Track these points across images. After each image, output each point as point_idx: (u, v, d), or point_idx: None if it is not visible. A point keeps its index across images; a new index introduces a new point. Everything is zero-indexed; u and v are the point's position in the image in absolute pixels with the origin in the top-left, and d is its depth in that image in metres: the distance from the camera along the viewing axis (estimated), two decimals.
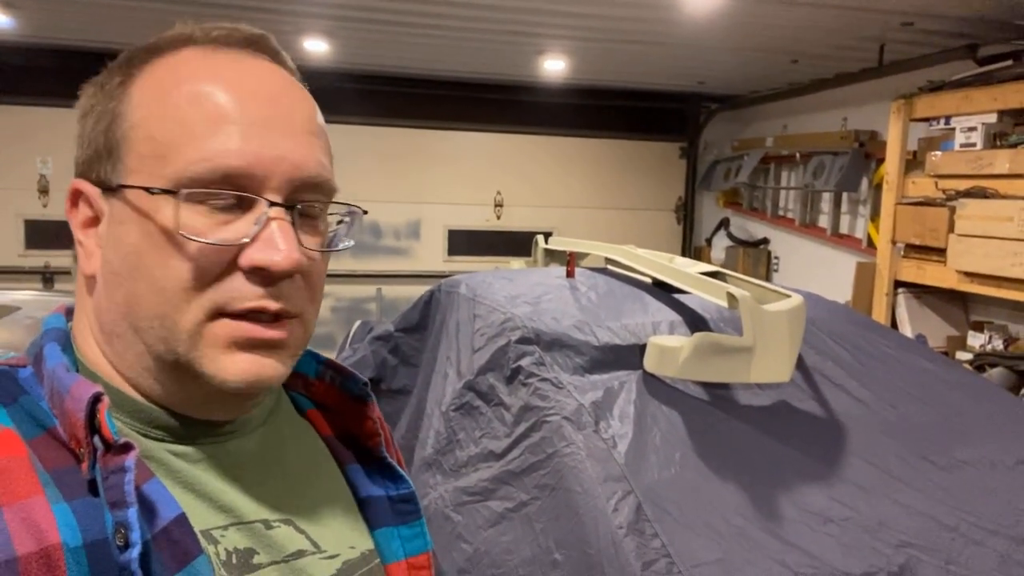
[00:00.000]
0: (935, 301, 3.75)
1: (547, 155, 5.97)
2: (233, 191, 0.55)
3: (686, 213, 6.39)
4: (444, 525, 1.73)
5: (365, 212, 0.66)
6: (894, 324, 3.77)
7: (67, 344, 0.60)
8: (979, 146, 3.21)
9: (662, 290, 2.29)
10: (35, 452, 0.52)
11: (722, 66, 4.84)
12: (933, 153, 3.42)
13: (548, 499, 1.46)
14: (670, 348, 1.80)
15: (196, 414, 0.60)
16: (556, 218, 5.94)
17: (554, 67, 4.66)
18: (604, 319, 2.01)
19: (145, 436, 0.58)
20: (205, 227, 0.55)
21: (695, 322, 2.06)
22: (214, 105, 0.56)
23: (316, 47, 4.22)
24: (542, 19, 3.75)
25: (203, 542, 0.55)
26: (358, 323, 4.02)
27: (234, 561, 0.57)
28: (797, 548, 1.42)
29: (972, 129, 3.23)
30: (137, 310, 0.56)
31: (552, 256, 3.31)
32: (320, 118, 0.64)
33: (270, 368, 0.58)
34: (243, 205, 0.56)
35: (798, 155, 5.08)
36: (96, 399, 0.52)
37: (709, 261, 6.34)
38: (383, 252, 5.76)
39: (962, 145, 3.28)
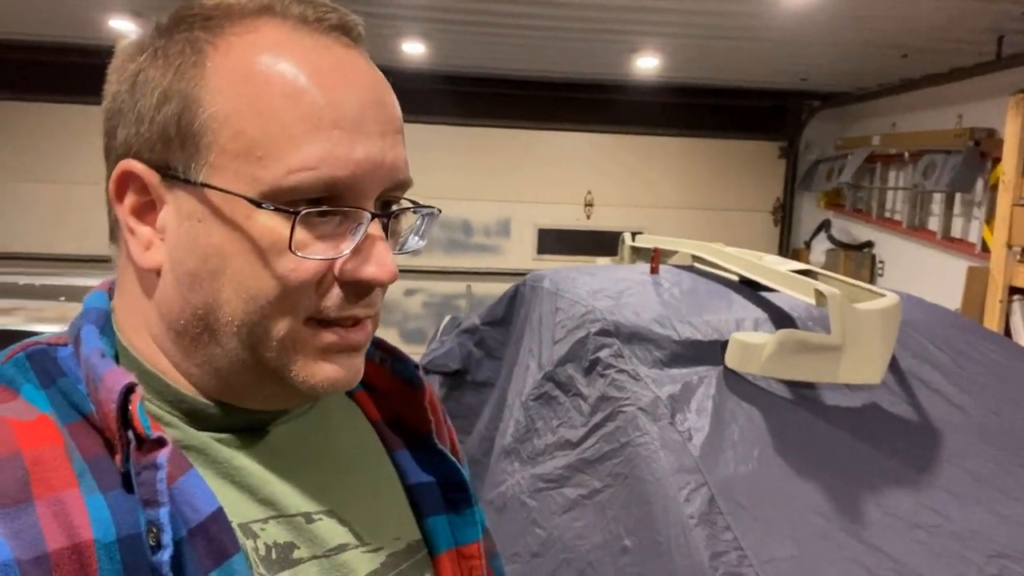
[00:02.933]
0: None
1: (639, 154, 5.93)
2: (336, 201, 0.52)
3: (784, 214, 6.18)
4: (520, 511, 1.77)
5: (439, 212, 0.62)
6: (1008, 333, 3.53)
7: (106, 325, 0.57)
8: None
9: (749, 288, 2.24)
10: (73, 438, 0.50)
11: (825, 61, 4.67)
12: None
13: (620, 487, 1.48)
14: (753, 344, 1.77)
15: (256, 407, 0.58)
16: (647, 218, 5.88)
17: (647, 65, 4.63)
18: (686, 314, 2.00)
19: (187, 424, 0.56)
20: (305, 240, 0.52)
21: (781, 320, 2.02)
22: (313, 103, 0.51)
23: (414, 49, 4.36)
24: (637, 16, 3.74)
25: (241, 537, 0.52)
26: (447, 318, 4.13)
27: (273, 556, 0.55)
28: (880, 552, 1.37)
29: None
30: (219, 315, 0.53)
31: (638, 254, 3.30)
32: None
33: (356, 369, 0.57)
34: (344, 216, 0.53)
35: (907, 154, 4.82)
36: (129, 390, 0.49)
37: (808, 263, 6.11)
38: (473, 249, 5.87)
39: None
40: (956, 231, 4.62)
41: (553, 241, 5.87)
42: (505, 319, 2.56)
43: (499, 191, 5.79)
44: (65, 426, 0.50)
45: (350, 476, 0.64)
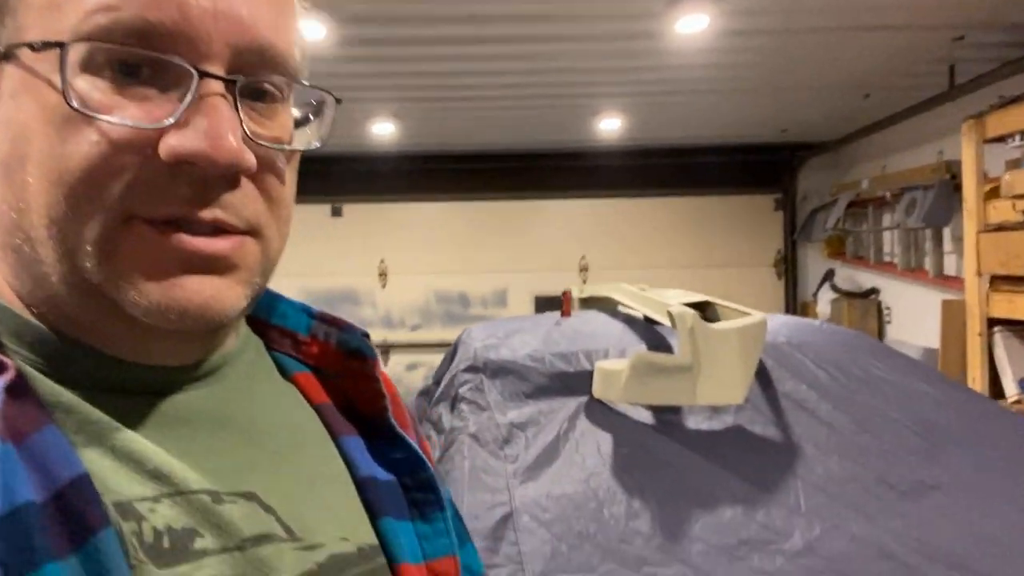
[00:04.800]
0: None
1: (631, 217, 5.97)
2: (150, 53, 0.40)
3: (787, 267, 6.07)
4: None
5: (339, 100, 0.50)
6: (992, 367, 3.33)
7: None
8: None
9: (650, 324, 2.23)
10: None
11: (797, 110, 4.69)
12: (1007, 173, 3.09)
13: None
14: (612, 372, 1.76)
15: (131, 356, 0.45)
16: (645, 279, 5.82)
17: (610, 127, 4.73)
18: (566, 349, 1.99)
19: (58, 381, 0.43)
20: (111, 102, 0.40)
21: (661, 349, 1.99)
22: None
23: (383, 129, 4.58)
24: (590, 78, 3.87)
25: (115, 516, 0.39)
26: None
27: (165, 544, 0.41)
28: (690, 568, 1.31)
29: None
30: (29, 212, 0.42)
31: (587, 304, 3.32)
32: None
33: (214, 295, 0.43)
34: (167, 76, 0.41)
35: (888, 194, 4.73)
36: None
37: (815, 316, 5.93)
38: (471, 321, 5.91)
39: None
40: (951, 269, 4.44)
41: (551, 308, 5.88)
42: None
43: (494, 262, 5.88)
44: None
45: (278, 459, 0.50)
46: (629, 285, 2.54)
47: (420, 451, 0.57)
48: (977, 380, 3.34)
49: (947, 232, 4.42)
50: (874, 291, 5.40)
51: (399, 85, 3.90)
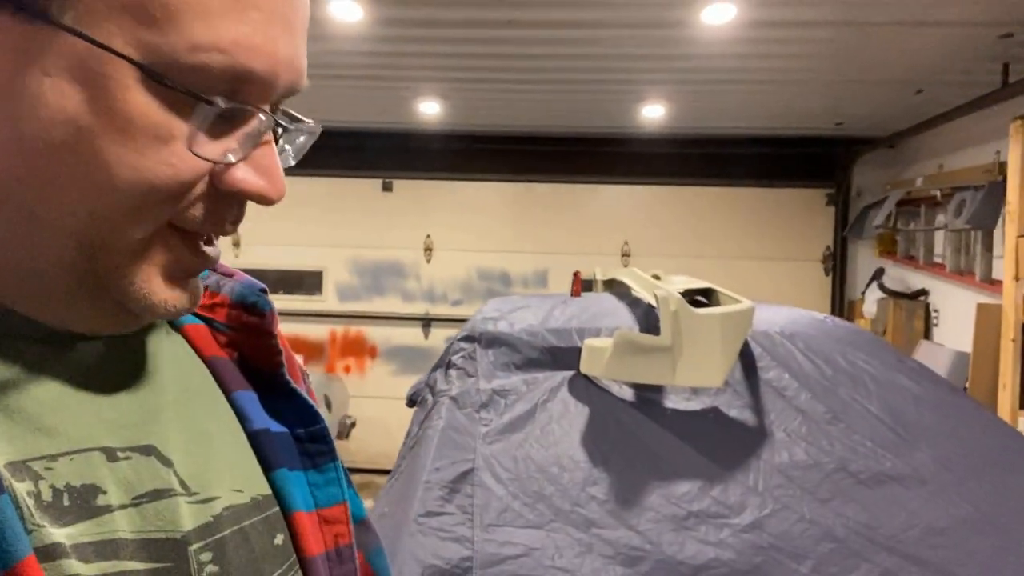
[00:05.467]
0: None
1: (678, 205, 5.95)
2: (236, 98, 0.42)
3: (835, 264, 5.95)
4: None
5: (322, 131, 0.52)
6: None
7: None
8: None
9: (650, 307, 2.29)
10: None
11: (847, 104, 4.60)
12: None
13: (409, 465, 1.58)
14: (598, 349, 1.84)
15: (50, 321, 0.45)
16: (688, 268, 5.81)
17: (654, 114, 4.73)
18: (563, 326, 2.08)
19: None
20: (189, 131, 0.42)
21: (654, 331, 2.05)
22: None
23: (430, 108, 4.70)
24: (636, 65, 3.89)
25: (8, 478, 0.39)
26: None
27: (65, 503, 0.41)
28: (636, 533, 1.39)
29: None
30: (59, 198, 0.41)
31: (609, 287, 3.39)
32: None
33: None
34: (235, 116, 0.43)
35: (939, 193, 4.60)
36: None
37: (860, 317, 5.81)
38: None
39: None
40: (999, 273, 4.30)
41: (589, 290, 5.93)
42: None
43: (537, 243, 5.97)
44: None
45: (172, 413, 0.51)
46: (640, 270, 2.60)
47: (313, 404, 0.60)
48: (1008, 386, 3.27)
49: (997, 235, 4.27)
50: (923, 292, 5.26)
51: (443, 66, 4.00)
